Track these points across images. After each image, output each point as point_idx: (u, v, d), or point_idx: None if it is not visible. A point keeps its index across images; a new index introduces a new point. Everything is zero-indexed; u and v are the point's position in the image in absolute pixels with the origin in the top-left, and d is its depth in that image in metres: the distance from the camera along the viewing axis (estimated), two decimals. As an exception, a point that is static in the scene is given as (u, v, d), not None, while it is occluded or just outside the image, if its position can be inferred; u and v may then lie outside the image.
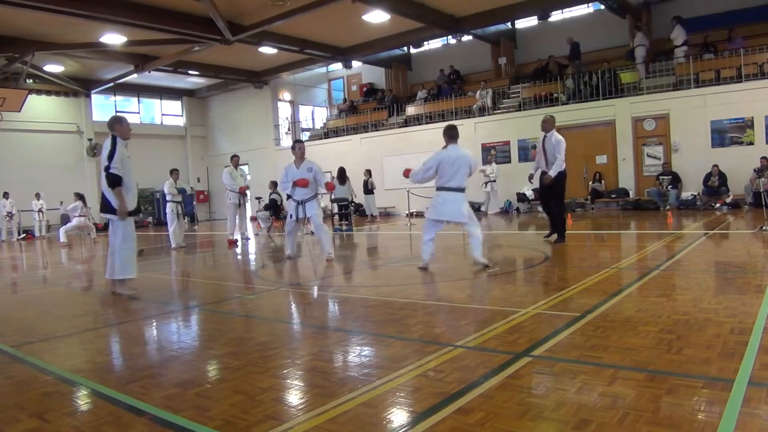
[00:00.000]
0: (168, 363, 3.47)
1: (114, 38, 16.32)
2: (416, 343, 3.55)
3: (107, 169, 5.56)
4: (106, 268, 6.02)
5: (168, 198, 11.84)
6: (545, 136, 8.66)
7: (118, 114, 6.02)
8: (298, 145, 8.30)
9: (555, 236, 8.60)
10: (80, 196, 15.23)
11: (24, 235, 17.98)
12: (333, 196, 15.13)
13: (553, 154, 8.37)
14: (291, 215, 8.30)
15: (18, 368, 3.50)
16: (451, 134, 6.59)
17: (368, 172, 18.00)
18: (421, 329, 3.89)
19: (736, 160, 13.62)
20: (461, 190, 6.51)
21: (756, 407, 2.28)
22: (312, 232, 12.79)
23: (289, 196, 8.39)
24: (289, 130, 24.64)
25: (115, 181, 5.60)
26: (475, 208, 17.51)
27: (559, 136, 8.56)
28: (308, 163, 8.16)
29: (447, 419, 2.33)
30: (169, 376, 3.15)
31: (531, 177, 9.58)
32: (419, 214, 18.39)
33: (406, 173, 6.85)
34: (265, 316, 4.87)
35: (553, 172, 8.29)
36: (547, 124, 8.71)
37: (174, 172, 11.91)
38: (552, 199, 8.68)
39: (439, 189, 6.59)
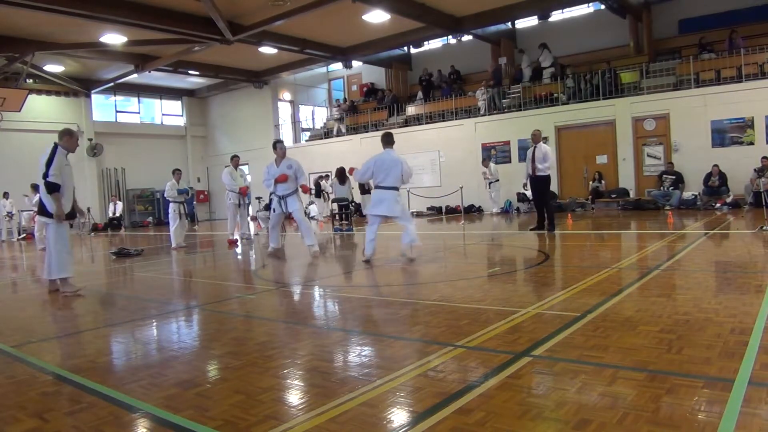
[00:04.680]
0: (168, 363, 3.47)
1: (114, 38, 16.32)
2: (416, 343, 3.55)
3: (45, 176, 5.92)
4: (44, 269, 6.38)
5: (169, 198, 11.82)
6: (535, 147, 10.10)
7: (70, 128, 6.48)
8: (279, 145, 8.92)
9: (540, 229, 10.11)
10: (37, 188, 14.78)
11: (24, 235, 17.98)
12: (333, 196, 15.14)
13: (543, 161, 9.97)
14: (274, 209, 8.86)
15: (18, 368, 3.50)
16: (386, 140, 7.50)
17: None
18: (421, 329, 3.89)
19: (736, 160, 13.62)
20: (395, 188, 7.38)
21: (756, 407, 2.27)
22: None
23: (272, 193, 8.98)
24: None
25: (52, 188, 5.98)
26: (475, 210, 17.55)
27: (547, 147, 10.45)
28: (288, 160, 8.75)
29: (447, 419, 2.33)
30: (169, 376, 3.15)
31: (525, 185, 11.10)
32: (419, 214, 18.41)
33: (351, 171, 7.81)
34: (265, 316, 4.87)
35: (544, 172, 9.99)
36: (536, 137, 10.20)
37: (176, 173, 11.90)
38: (544, 196, 10.32)
39: (376, 188, 7.48)
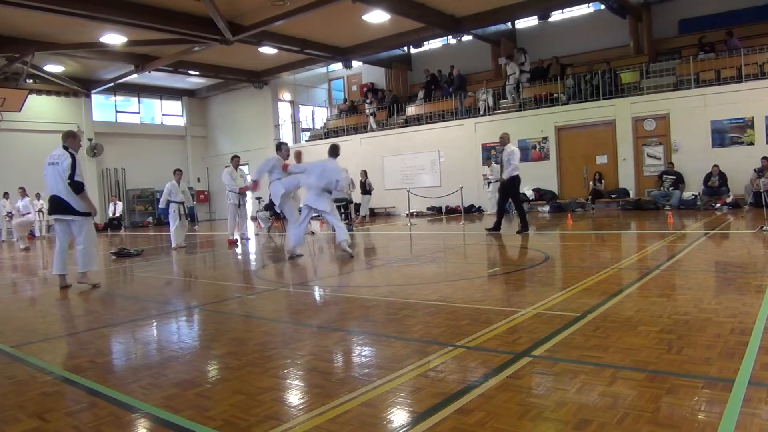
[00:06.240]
0: (168, 363, 3.47)
1: (114, 38, 16.31)
2: (416, 343, 3.55)
3: (71, 177, 6.32)
4: (54, 265, 6.70)
5: (169, 198, 11.80)
6: (503, 149, 10.30)
7: (71, 129, 7.24)
8: (284, 146, 9.28)
9: (497, 229, 10.39)
10: (25, 191, 15.70)
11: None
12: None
13: (509, 162, 10.05)
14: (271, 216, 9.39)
15: (18, 368, 3.50)
16: (331, 151, 8.39)
17: (364, 173, 17.94)
18: (421, 329, 3.89)
19: (736, 160, 13.62)
20: (327, 192, 8.31)
21: (756, 407, 2.28)
22: (312, 233, 12.91)
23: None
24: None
25: (82, 187, 6.40)
26: (475, 210, 17.54)
27: (513, 147, 10.43)
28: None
29: (447, 419, 2.33)
30: (169, 376, 3.15)
31: (489, 183, 11.37)
32: (419, 214, 18.40)
33: (285, 167, 8.64)
34: (265, 316, 4.87)
35: (506, 176, 10.09)
36: (503, 140, 10.40)
37: (177, 173, 11.87)
38: (512, 198, 10.53)
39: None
